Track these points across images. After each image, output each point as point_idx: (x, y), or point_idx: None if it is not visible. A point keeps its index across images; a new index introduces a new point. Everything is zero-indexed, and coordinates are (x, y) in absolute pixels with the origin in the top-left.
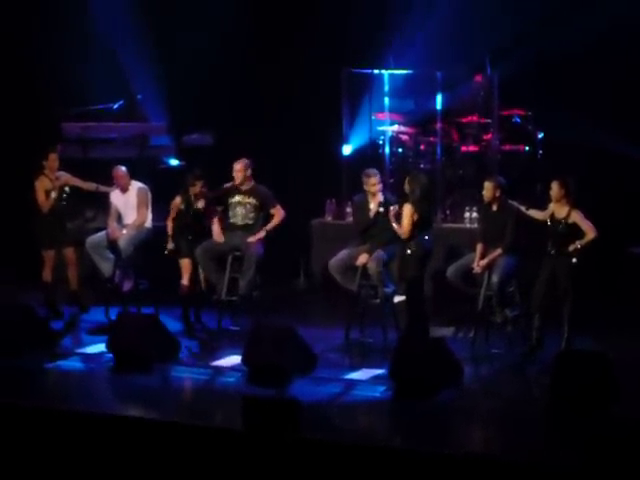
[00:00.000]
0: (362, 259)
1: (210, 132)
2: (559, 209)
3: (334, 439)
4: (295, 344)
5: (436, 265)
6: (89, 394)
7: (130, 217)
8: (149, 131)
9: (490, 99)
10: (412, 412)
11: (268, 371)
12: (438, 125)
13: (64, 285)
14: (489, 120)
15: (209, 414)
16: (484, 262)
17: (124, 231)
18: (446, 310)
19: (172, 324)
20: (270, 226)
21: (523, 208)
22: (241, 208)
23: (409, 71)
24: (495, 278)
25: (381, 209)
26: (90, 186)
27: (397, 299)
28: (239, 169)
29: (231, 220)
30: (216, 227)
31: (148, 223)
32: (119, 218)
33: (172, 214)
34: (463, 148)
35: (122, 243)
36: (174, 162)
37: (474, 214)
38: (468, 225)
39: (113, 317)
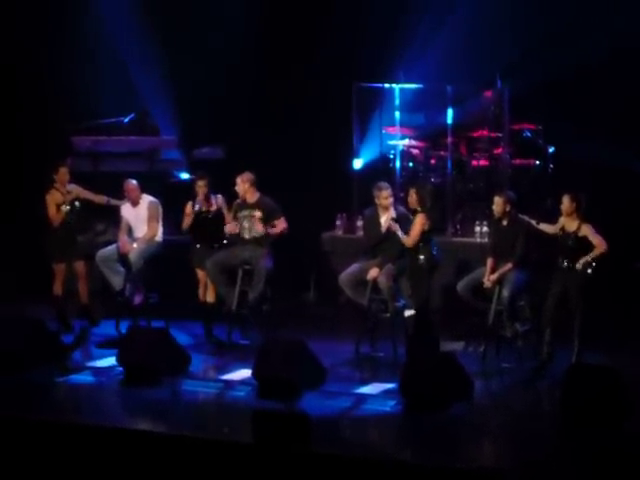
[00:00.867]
0: (373, 273)
1: (221, 146)
2: (569, 223)
3: (344, 453)
4: (305, 358)
5: (446, 279)
6: (99, 407)
7: (141, 231)
8: (160, 145)
9: (501, 113)
10: (422, 426)
11: (278, 385)
12: (449, 139)
13: (74, 299)
14: (500, 134)
15: (219, 428)
16: (494, 276)
17: (134, 245)
18: (456, 324)
19: (182, 338)
20: (271, 230)
21: (534, 222)
22: (248, 221)
23: (420, 85)
24: (506, 292)
25: (395, 223)
26: (101, 199)
27: (407, 313)
28: (238, 182)
29: (241, 234)
30: (228, 219)
31: (159, 237)
32: (130, 231)
33: (187, 221)
34: (474, 162)
35: (132, 257)
36: (185, 176)
37: (484, 228)
38: (478, 239)
39: (123, 331)
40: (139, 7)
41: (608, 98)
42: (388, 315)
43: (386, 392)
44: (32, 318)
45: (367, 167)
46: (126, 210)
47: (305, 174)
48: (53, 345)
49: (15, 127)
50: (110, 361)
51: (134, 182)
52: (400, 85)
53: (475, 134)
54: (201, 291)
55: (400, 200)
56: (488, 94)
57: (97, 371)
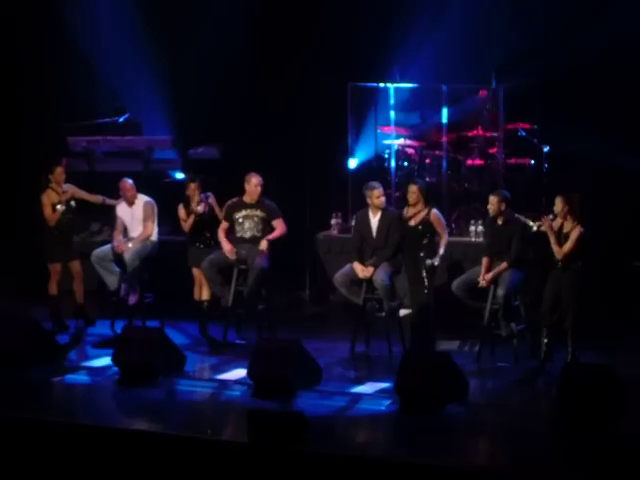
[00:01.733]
0: (366, 272)
1: (216, 146)
2: (566, 224)
3: (339, 452)
4: (300, 357)
5: (441, 279)
6: (95, 407)
7: (136, 230)
8: (154, 145)
9: (495, 113)
10: (417, 426)
11: (273, 384)
12: (444, 139)
13: (70, 298)
14: (495, 134)
15: (214, 427)
16: (489, 275)
17: (130, 244)
18: (451, 324)
19: (177, 337)
20: (271, 236)
21: (534, 226)
22: (249, 221)
23: (415, 85)
24: (501, 292)
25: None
26: (96, 199)
27: (402, 312)
28: (259, 183)
29: (239, 234)
30: (226, 244)
31: (154, 237)
32: (125, 231)
33: (188, 223)
34: (468, 162)
35: (128, 256)
36: (180, 176)
37: (479, 228)
38: (473, 239)
39: (119, 330)
40: (134, 7)
41: (603, 97)
42: (383, 314)
43: (381, 391)
44: (28, 318)
45: (362, 167)
46: (121, 210)
47: (300, 174)
48: (48, 345)
49: (10, 127)
50: (105, 361)
51: (130, 181)
52: (395, 84)
53: (470, 133)
54: (196, 290)
55: (394, 200)
56: (483, 93)
57: (92, 371)
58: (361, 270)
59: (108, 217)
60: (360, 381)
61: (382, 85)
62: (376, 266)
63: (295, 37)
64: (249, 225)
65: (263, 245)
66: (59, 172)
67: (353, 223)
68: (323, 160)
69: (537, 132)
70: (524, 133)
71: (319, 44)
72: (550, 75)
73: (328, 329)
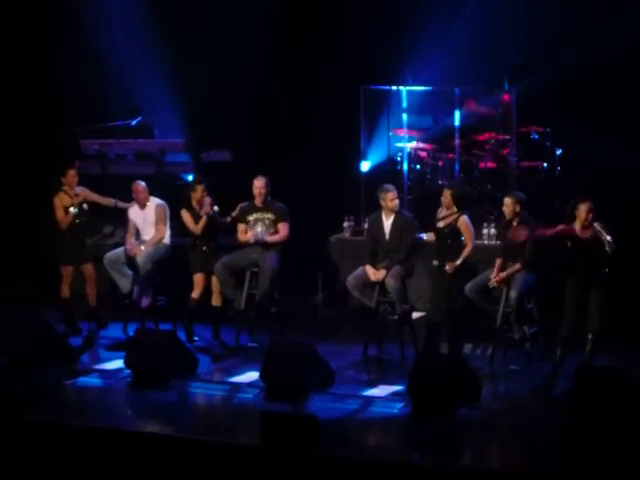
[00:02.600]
0: (379, 275)
1: (228, 149)
2: (585, 229)
3: (351, 455)
4: (313, 360)
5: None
6: (107, 410)
7: (148, 233)
8: (167, 148)
9: (508, 116)
10: (430, 429)
11: (286, 387)
12: (456, 141)
13: (82, 301)
14: (507, 137)
15: (227, 430)
16: (503, 275)
17: (142, 247)
18: (464, 327)
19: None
20: (270, 238)
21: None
22: (260, 224)
23: (427, 87)
24: (513, 294)
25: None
26: (109, 202)
27: (415, 315)
28: (262, 186)
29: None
30: (250, 235)
31: (166, 239)
32: (137, 234)
33: (200, 225)
34: (481, 165)
35: (140, 259)
36: (192, 179)
37: (492, 230)
38: (486, 242)
39: (131, 333)
40: (147, 11)
41: (616, 100)
42: (396, 317)
43: (394, 394)
44: (40, 320)
45: (375, 169)
46: (134, 212)
47: (313, 176)
48: (61, 348)
49: (24, 130)
50: (118, 364)
51: (142, 184)
52: (407, 87)
53: (482, 137)
54: (195, 294)
55: (406, 203)
56: (506, 98)
57: (105, 374)
58: (373, 273)
59: (120, 220)
60: (372, 384)
61: (395, 88)
62: (389, 269)
63: (308, 40)
64: (260, 228)
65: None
66: (71, 175)
67: (366, 226)
68: (336, 163)
69: (550, 135)
70: (537, 136)
71: (332, 47)
72: (563, 78)
73: (341, 332)
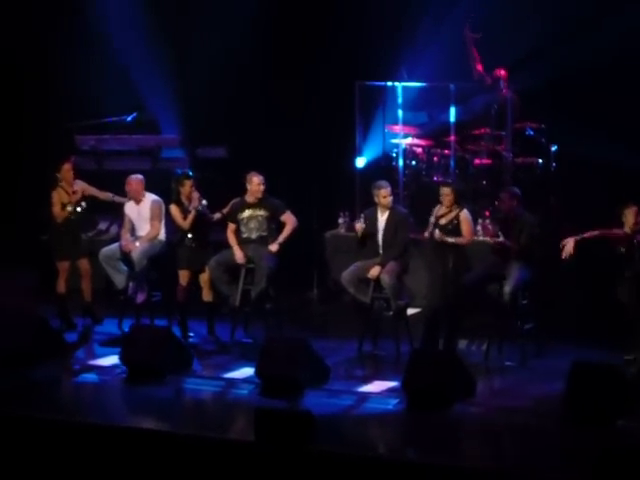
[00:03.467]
0: (374, 272)
1: (224, 145)
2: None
3: (347, 451)
4: (308, 356)
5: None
6: (102, 406)
7: (143, 229)
8: (162, 143)
9: (504, 112)
10: (425, 425)
11: (281, 383)
12: (451, 138)
13: (78, 297)
14: (502, 133)
15: (222, 426)
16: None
17: (137, 243)
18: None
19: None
20: (282, 237)
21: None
22: (254, 221)
23: (422, 84)
24: (507, 288)
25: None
26: (106, 196)
27: (410, 311)
28: (260, 182)
29: (245, 235)
30: (237, 250)
31: (162, 236)
32: (133, 230)
33: (188, 220)
34: (476, 161)
35: (135, 255)
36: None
37: (488, 226)
38: (481, 238)
39: (126, 329)
40: (142, 6)
41: (612, 97)
42: (391, 313)
43: (389, 390)
44: (35, 316)
45: (370, 165)
46: (129, 208)
47: (308, 172)
48: (56, 343)
49: (19, 126)
50: (113, 359)
51: (135, 178)
52: (403, 83)
53: (478, 132)
54: (180, 291)
55: (401, 199)
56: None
57: (100, 369)
58: (377, 270)
59: (116, 215)
60: (367, 380)
61: (390, 84)
62: (383, 265)
63: (303, 36)
64: (254, 225)
65: (274, 248)
66: (66, 169)
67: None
68: (331, 159)
69: (545, 131)
70: (532, 132)
71: (327, 43)
72: (559, 74)
73: (336, 328)
